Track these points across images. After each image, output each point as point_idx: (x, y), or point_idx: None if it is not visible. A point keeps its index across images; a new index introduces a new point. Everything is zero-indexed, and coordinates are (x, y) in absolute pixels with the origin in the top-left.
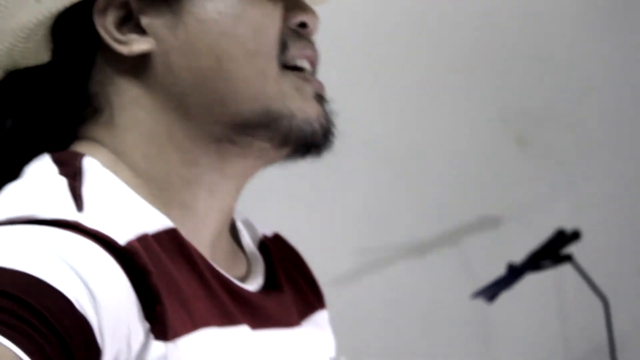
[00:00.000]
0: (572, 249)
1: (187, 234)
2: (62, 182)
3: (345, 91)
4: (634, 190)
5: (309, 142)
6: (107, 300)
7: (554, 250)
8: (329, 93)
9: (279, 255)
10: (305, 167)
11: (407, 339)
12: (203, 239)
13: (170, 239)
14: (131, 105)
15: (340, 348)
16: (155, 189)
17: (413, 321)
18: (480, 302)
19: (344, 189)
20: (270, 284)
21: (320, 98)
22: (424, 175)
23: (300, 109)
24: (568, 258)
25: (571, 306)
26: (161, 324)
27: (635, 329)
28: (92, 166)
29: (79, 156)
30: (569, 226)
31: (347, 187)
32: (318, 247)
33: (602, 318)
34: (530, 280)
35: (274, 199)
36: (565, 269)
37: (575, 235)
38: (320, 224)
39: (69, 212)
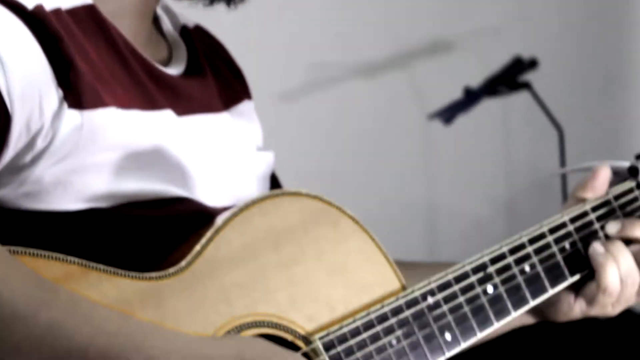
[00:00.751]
0: (528, 77)
1: (107, 13)
2: None
3: None
4: (591, 19)
5: None
6: (14, 62)
7: (511, 77)
8: None
9: (201, 44)
10: None
11: (352, 157)
12: (124, 21)
13: (87, 15)
14: None
15: (286, 160)
16: None
17: (360, 141)
18: (428, 126)
19: (299, 3)
20: (192, 69)
21: None
22: None
23: None
24: (526, 85)
25: (520, 136)
26: (75, 91)
27: (586, 160)
28: None
29: None
30: (523, 55)
31: (302, 1)
32: (270, 60)
33: (551, 148)
34: (479, 109)
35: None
36: (515, 98)
37: (532, 64)
38: (273, 36)
39: None
